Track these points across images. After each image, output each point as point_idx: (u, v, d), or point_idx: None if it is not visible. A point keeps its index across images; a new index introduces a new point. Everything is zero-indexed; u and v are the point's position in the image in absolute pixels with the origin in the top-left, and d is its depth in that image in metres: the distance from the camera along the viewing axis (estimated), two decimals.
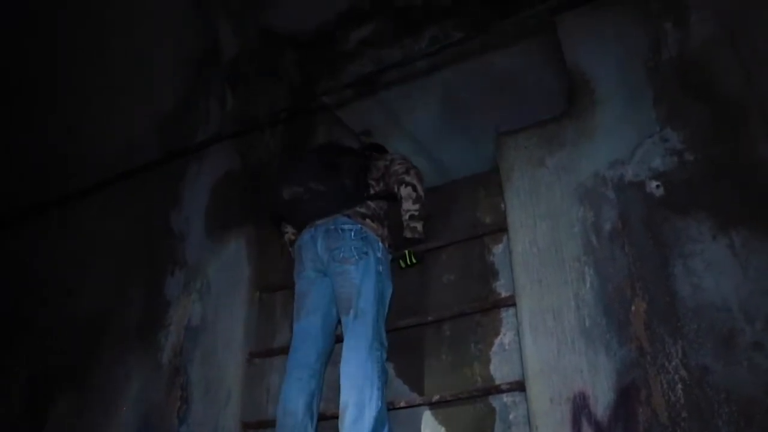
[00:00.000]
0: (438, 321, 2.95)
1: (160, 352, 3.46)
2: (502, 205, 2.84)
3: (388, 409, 2.67)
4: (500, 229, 2.92)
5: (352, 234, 2.83)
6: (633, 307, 2.31)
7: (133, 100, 4.38)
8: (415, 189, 2.98)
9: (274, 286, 3.41)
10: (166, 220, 3.96)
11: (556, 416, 2.27)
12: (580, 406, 2.25)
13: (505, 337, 2.83)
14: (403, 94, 3.83)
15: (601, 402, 2.22)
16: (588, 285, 2.42)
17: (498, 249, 3.03)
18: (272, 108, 4.02)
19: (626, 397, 2.19)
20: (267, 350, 3.26)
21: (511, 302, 2.71)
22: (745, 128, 2.40)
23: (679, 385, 2.13)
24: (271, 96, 4.15)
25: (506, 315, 2.85)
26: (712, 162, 2.41)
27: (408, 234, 3.01)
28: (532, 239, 2.60)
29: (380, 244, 2.89)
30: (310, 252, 2.92)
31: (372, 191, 3.01)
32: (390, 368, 3.01)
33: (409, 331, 3.01)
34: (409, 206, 2.99)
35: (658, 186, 2.46)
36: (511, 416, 2.67)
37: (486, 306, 2.87)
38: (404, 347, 3.02)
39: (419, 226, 3.00)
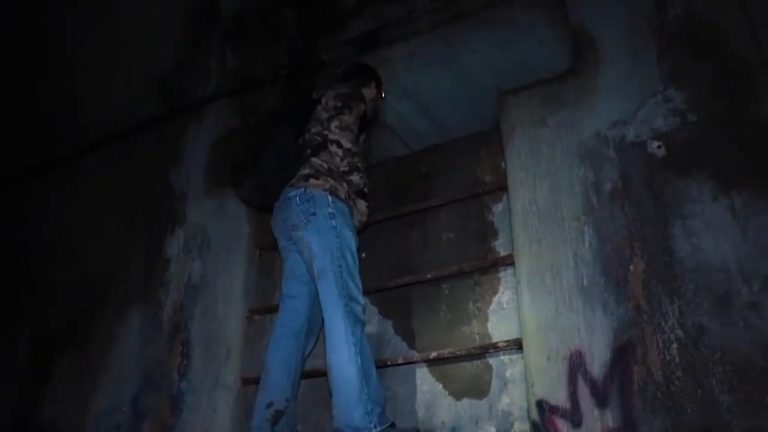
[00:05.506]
0: (437, 279, 2.97)
1: (161, 310, 3.50)
2: (503, 164, 2.83)
3: (387, 366, 2.70)
4: (500, 187, 2.92)
5: (297, 200, 2.79)
6: (631, 267, 2.32)
7: (133, 59, 4.35)
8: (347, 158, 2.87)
9: (274, 244, 3.39)
10: (166, 178, 3.96)
11: (553, 374, 2.30)
12: (576, 364, 2.27)
13: (503, 295, 2.84)
14: (404, 52, 3.78)
15: (598, 360, 2.24)
16: (587, 244, 2.42)
17: (497, 208, 3.03)
18: (272, 66, 3.98)
19: (622, 355, 2.22)
20: (267, 307, 3.28)
21: (509, 261, 2.72)
22: (750, 89, 2.37)
23: (675, 345, 2.15)
24: (271, 54, 4.10)
25: (504, 274, 2.87)
26: (715, 122, 2.39)
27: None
28: (532, 198, 2.60)
29: (329, 198, 2.78)
30: (277, 226, 2.96)
31: (315, 144, 2.95)
32: (388, 326, 3.04)
33: (408, 289, 3.03)
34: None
35: (659, 146, 2.45)
36: (507, 374, 2.70)
37: (485, 264, 2.88)
38: (403, 305, 3.05)
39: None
